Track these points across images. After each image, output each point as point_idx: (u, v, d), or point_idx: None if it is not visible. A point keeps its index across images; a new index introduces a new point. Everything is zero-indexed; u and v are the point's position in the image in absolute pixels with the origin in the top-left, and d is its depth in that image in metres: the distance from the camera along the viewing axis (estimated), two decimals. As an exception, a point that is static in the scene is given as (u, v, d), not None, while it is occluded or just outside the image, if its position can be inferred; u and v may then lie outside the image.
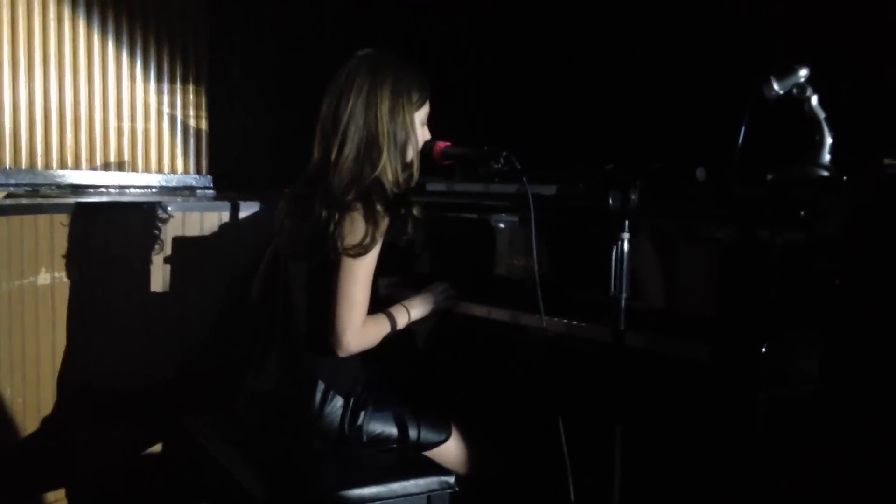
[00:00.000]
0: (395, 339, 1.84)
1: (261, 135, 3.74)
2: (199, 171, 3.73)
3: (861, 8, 1.90)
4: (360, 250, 1.69)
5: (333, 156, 1.76)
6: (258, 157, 3.74)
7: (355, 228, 1.70)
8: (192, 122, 3.71)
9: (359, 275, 1.71)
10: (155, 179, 3.58)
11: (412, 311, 1.87)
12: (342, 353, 1.73)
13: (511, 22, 2.79)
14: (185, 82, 3.67)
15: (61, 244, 2.39)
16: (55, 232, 2.37)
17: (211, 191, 3.67)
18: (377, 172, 1.76)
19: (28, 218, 2.30)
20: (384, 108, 1.78)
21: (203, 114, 3.74)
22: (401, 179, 1.82)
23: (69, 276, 2.41)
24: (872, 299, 1.54)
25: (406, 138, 1.83)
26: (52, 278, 2.37)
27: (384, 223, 1.72)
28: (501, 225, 2.00)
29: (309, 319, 1.81)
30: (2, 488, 2.20)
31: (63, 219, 2.39)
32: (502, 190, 1.94)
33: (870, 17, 1.89)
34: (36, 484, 2.42)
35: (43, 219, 2.35)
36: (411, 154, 1.86)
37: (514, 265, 1.97)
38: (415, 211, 1.81)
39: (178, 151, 3.68)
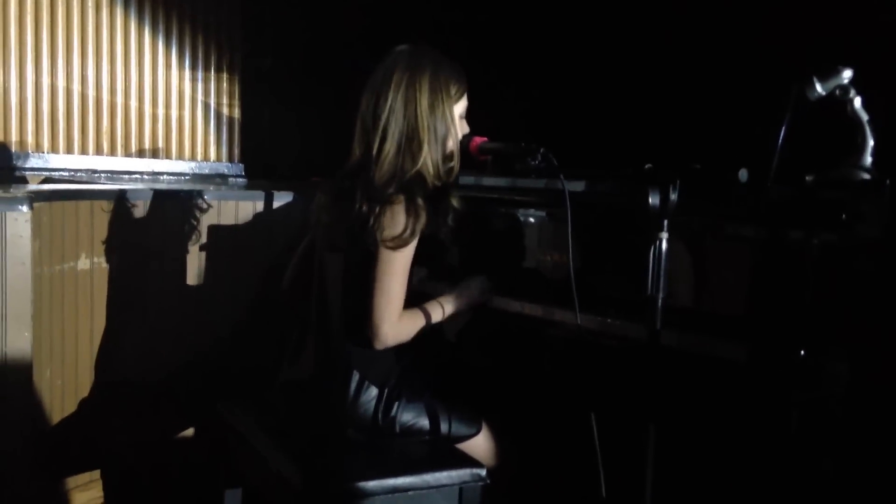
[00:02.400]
0: (428, 332, 1.85)
1: (292, 124, 3.78)
2: (230, 160, 3.78)
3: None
4: (400, 242, 1.71)
5: (374, 151, 1.78)
6: (289, 145, 3.79)
7: (396, 221, 1.71)
8: (224, 111, 3.75)
9: (397, 267, 1.73)
10: (187, 167, 3.64)
11: (446, 306, 1.88)
12: (379, 346, 1.75)
13: (551, 19, 2.78)
14: (218, 70, 3.71)
15: (101, 230, 2.44)
16: (95, 218, 2.42)
17: (242, 179, 3.72)
18: (418, 166, 1.78)
19: (69, 204, 2.35)
20: (424, 102, 1.79)
21: (236, 102, 3.78)
22: (442, 172, 1.84)
23: (108, 262, 2.45)
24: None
25: (446, 131, 1.84)
26: (92, 263, 2.42)
27: (424, 216, 1.73)
28: (532, 220, 2.01)
29: (345, 310, 1.83)
30: (40, 467, 2.25)
31: (103, 206, 2.43)
32: (534, 185, 1.94)
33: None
34: (72, 464, 2.48)
35: (84, 205, 2.39)
36: (451, 147, 1.87)
37: (546, 260, 1.98)
38: (455, 202, 1.82)
39: (211, 139, 3.73)
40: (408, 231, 1.71)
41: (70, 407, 2.42)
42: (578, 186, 1.82)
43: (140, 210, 2.51)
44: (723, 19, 2.22)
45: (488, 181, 2.10)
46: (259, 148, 3.84)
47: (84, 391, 2.46)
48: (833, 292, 1.48)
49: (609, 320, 1.70)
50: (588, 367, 1.77)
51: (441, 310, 1.87)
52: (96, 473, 2.54)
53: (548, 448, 2.02)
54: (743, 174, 1.39)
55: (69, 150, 3.42)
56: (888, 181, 1.48)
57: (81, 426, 2.44)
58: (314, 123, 3.56)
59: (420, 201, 1.73)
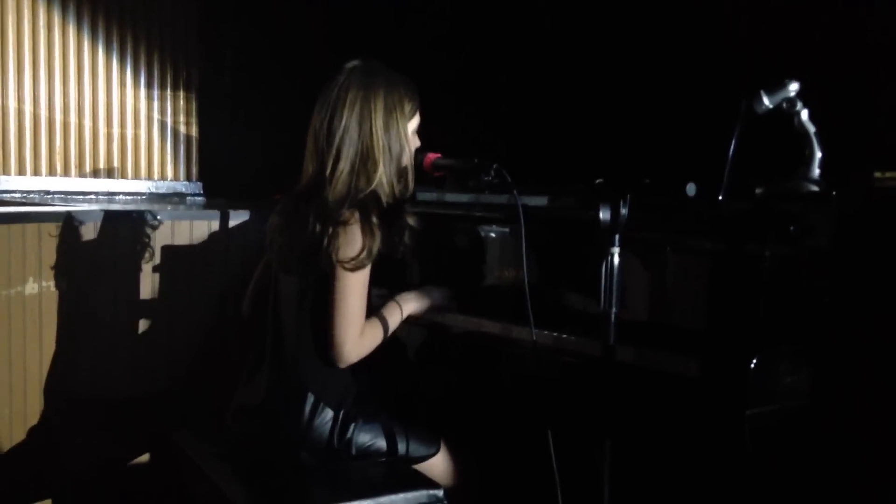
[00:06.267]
0: (385, 352, 1.82)
1: (251, 141, 3.73)
2: (188, 178, 3.72)
3: (848, 23, 1.90)
4: (357, 263, 1.69)
5: (328, 170, 1.76)
6: (248, 162, 3.74)
7: (352, 241, 1.69)
8: (182, 129, 3.70)
9: (355, 287, 1.70)
10: (144, 186, 3.58)
11: (404, 306, 1.87)
12: (343, 365, 1.73)
13: (505, 34, 2.79)
14: (175, 88, 3.66)
15: (49, 253, 2.37)
16: (43, 241, 2.36)
17: (201, 197, 3.66)
18: (373, 185, 1.76)
19: (16, 227, 2.29)
20: (378, 121, 1.78)
21: (193, 120, 3.73)
22: (396, 190, 1.83)
23: (57, 285, 2.39)
24: (861, 313, 1.54)
25: (401, 149, 1.83)
26: (40, 287, 2.36)
27: (379, 235, 1.71)
28: (493, 235, 2.00)
29: (300, 332, 1.79)
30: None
31: (51, 228, 2.37)
32: (494, 200, 1.94)
33: (857, 31, 1.90)
34: (22, 494, 2.40)
35: (31, 227, 2.33)
36: (405, 164, 1.86)
37: (506, 277, 1.97)
38: (411, 221, 1.81)
39: (168, 158, 3.67)
40: (365, 251, 1.69)
41: (19, 435, 2.35)
42: (538, 201, 1.82)
43: (90, 231, 2.44)
44: (673, 34, 2.24)
45: (451, 197, 2.09)
46: (219, 165, 3.79)
47: (34, 419, 2.39)
48: (785, 304, 1.49)
49: (564, 336, 1.69)
50: (545, 384, 1.75)
51: (399, 310, 1.86)
52: (48, 503, 2.46)
53: (507, 466, 1.99)
54: (691, 188, 1.40)
55: (21, 172, 3.34)
56: (834, 193, 1.50)
57: (31, 455, 2.37)
58: (275, 139, 3.53)
59: (375, 220, 1.71)
